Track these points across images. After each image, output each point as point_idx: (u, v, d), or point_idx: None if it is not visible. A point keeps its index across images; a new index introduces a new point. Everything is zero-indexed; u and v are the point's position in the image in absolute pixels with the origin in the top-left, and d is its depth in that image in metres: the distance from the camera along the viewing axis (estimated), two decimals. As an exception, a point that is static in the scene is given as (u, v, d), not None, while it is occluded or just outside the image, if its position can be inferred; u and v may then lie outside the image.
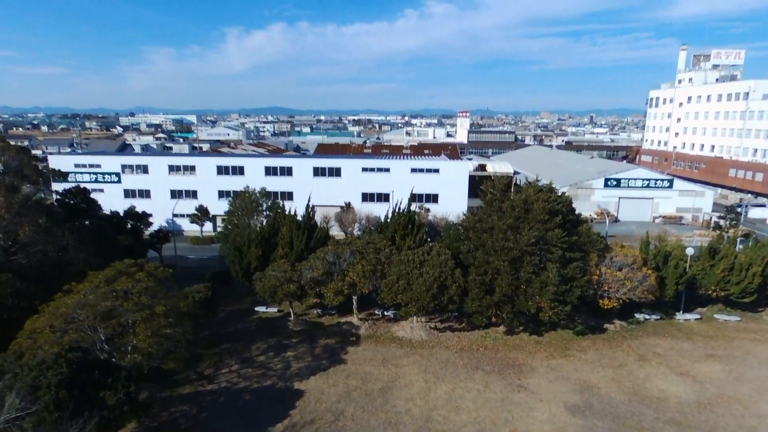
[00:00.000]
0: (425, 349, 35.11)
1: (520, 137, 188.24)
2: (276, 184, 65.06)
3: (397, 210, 45.37)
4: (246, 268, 40.47)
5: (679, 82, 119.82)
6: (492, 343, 36.21)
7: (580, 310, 37.95)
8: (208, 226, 64.89)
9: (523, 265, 34.89)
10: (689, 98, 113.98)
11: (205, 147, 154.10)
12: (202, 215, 62.34)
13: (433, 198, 65.38)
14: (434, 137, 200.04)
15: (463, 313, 37.65)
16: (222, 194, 64.89)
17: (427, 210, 61.11)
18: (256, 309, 41.08)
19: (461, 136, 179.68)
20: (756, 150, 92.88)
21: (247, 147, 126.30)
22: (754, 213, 79.78)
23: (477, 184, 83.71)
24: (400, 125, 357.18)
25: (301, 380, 30.65)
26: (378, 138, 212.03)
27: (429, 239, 43.92)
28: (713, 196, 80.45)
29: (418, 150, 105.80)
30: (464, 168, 66.81)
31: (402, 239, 41.56)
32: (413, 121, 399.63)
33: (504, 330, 37.74)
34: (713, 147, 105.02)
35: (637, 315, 40.43)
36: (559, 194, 38.76)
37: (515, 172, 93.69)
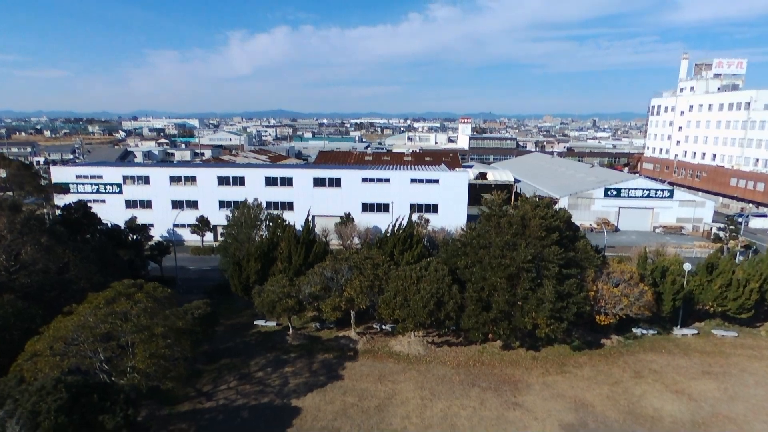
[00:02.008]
0: (422, 365, 35.34)
1: (521, 143, 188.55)
2: (276, 194, 65.55)
3: (397, 225, 45.73)
4: (245, 283, 40.83)
5: (681, 90, 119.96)
6: (489, 359, 36.42)
7: (577, 325, 38.08)
8: (209, 236, 65.33)
9: (520, 282, 35.14)
10: (690, 107, 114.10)
11: (207, 152, 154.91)
12: (202, 226, 62.79)
13: (433, 208, 65.67)
14: (436, 142, 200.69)
15: (460, 328, 37.85)
16: (223, 204, 65.34)
17: (427, 221, 61.48)
18: (256, 323, 41.38)
19: (463, 143, 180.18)
20: (757, 160, 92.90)
21: (249, 154, 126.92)
22: (755, 223, 79.85)
23: (478, 192, 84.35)
24: (402, 129, 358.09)
25: (299, 397, 30.91)
26: (380, 143, 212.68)
27: (428, 252, 44.17)
28: (714, 206, 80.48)
29: (419, 158, 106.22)
30: (464, 179, 67.08)
31: (401, 254, 41.88)
32: (415, 125, 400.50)
33: (501, 345, 37.93)
34: (714, 156, 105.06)
35: (634, 330, 40.56)
36: (557, 210, 38.94)
37: (516, 181, 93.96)
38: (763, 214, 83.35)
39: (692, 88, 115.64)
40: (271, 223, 49.15)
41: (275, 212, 53.41)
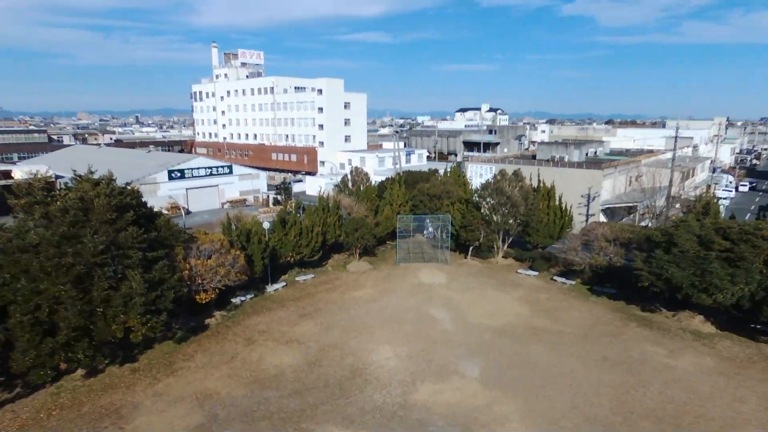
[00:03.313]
0: (-48, 455, 22.02)
1: (57, 138, 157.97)
2: None
3: None
4: None
5: (217, 77, 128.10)
6: (70, 399, 26.53)
7: (176, 314, 33.19)
8: None
9: (94, 282, 26.78)
10: (228, 92, 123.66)
11: None
12: None
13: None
14: None
15: (11, 373, 25.93)
16: None
17: None
18: None
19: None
20: (287, 135, 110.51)
21: None
22: (296, 187, 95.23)
23: (4, 199, 62.94)
24: None
25: None
26: None
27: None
28: (266, 178, 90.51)
29: None
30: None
31: None
32: None
33: (83, 373, 28.54)
34: (255, 136, 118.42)
35: (233, 300, 39.28)
36: (124, 185, 31.95)
37: (57, 176, 76.21)
38: (300, 180, 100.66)
39: (226, 75, 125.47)
40: None
41: None
